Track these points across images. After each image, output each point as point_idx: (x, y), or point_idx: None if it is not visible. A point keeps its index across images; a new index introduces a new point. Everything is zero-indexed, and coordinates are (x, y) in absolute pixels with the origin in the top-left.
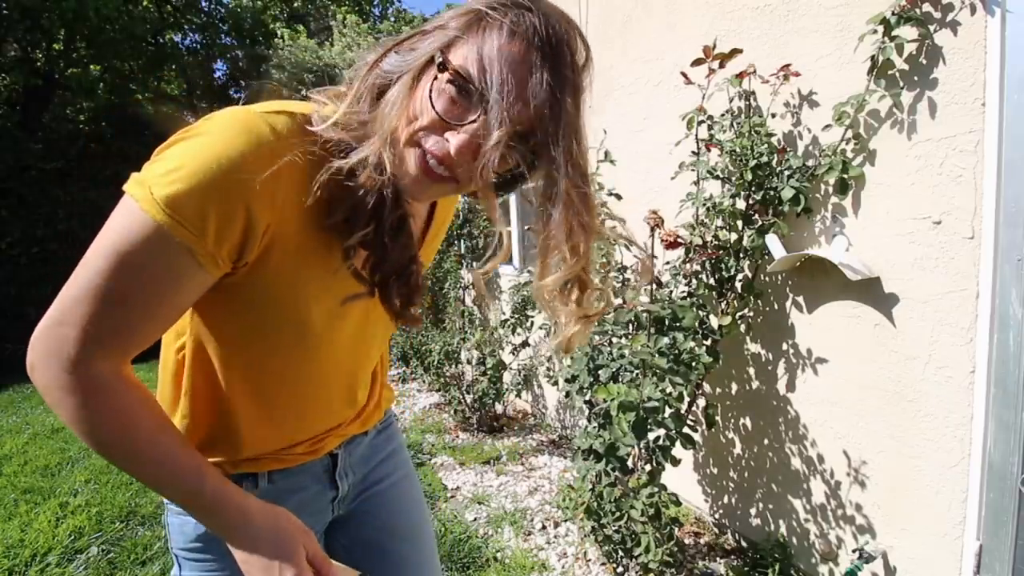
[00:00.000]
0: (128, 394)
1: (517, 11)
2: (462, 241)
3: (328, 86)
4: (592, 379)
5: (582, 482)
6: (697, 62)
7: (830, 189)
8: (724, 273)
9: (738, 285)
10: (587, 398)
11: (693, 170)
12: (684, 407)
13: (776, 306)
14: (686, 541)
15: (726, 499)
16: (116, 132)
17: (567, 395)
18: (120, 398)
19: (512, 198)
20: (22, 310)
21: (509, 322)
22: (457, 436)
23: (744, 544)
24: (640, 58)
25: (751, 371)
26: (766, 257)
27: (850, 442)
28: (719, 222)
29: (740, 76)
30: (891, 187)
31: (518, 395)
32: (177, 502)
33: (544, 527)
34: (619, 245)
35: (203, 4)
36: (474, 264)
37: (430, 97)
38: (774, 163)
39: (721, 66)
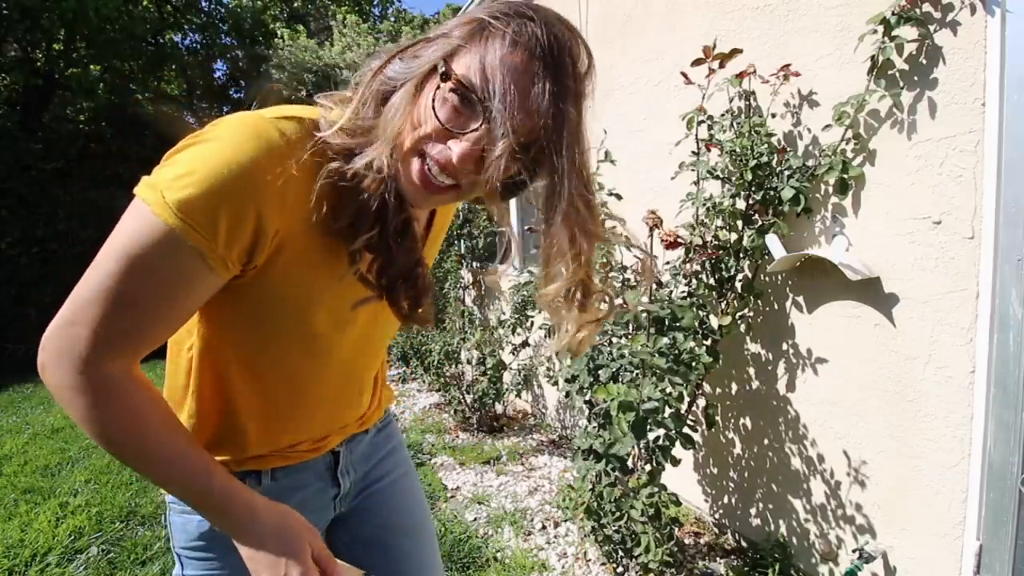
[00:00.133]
0: (138, 394)
1: (519, 20)
2: (462, 241)
3: (332, 90)
4: (592, 379)
5: (582, 482)
6: (697, 62)
7: (830, 189)
8: (724, 273)
9: (738, 285)
10: (587, 398)
11: (693, 170)
12: (684, 407)
13: (776, 306)
14: (686, 541)
15: (726, 499)
16: (116, 132)
17: (567, 395)
18: (131, 398)
19: (512, 199)
20: (22, 310)
21: (509, 322)
22: (457, 436)
23: (744, 544)
24: (640, 58)
25: (751, 371)
26: (766, 257)
27: (850, 442)
28: (719, 222)
29: (740, 76)
30: (891, 187)
31: (518, 395)
32: (186, 500)
33: (544, 527)
34: (619, 245)
35: (203, 4)
36: (474, 264)
37: (433, 105)
38: (774, 163)
39: (721, 66)
